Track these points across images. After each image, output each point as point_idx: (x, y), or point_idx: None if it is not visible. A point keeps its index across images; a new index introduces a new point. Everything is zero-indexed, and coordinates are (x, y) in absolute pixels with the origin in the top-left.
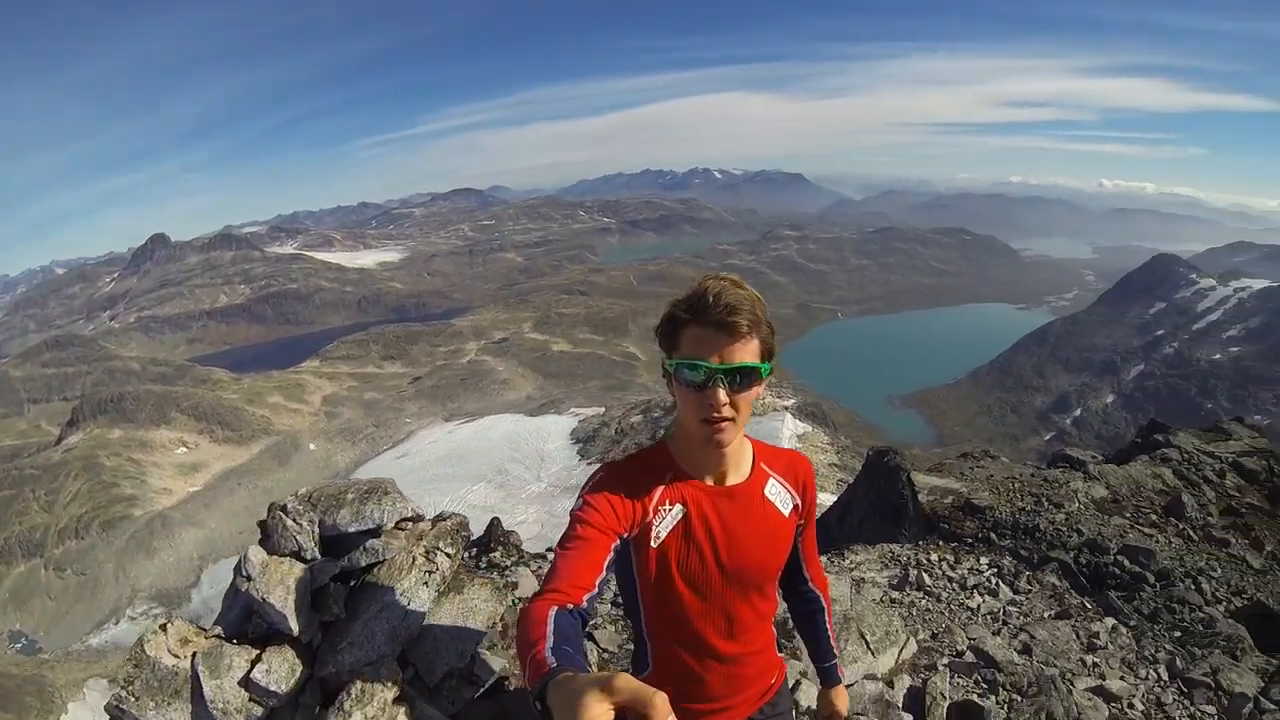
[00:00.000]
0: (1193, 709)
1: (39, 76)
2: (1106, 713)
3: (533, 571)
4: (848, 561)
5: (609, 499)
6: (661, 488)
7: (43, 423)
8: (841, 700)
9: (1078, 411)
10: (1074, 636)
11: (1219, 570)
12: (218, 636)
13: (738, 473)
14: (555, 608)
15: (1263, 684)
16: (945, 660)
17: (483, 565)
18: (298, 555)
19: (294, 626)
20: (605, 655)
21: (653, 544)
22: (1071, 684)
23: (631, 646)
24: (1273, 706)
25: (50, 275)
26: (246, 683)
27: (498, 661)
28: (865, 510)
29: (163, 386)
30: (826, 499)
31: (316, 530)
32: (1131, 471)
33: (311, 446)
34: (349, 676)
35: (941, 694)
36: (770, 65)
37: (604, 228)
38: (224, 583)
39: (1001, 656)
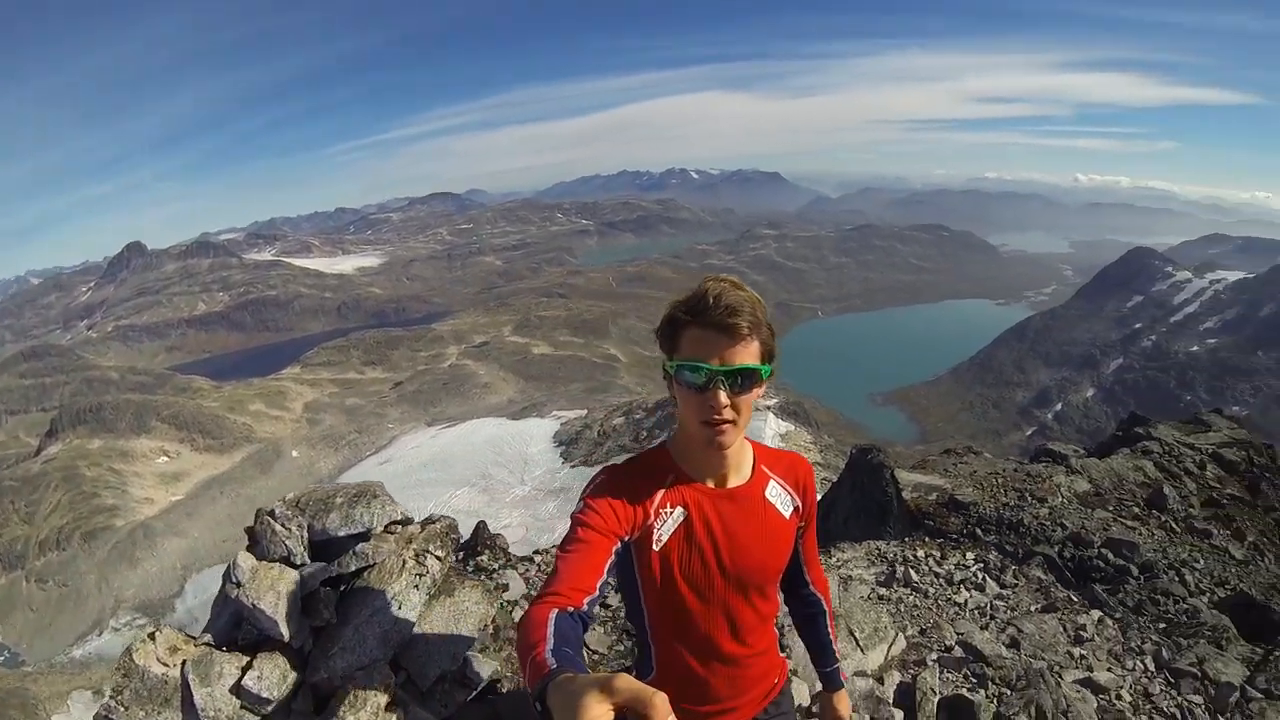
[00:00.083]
0: (1180, 699)
1: (8, 83)
2: (1095, 704)
3: (520, 574)
4: (834, 559)
5: (610, 502)
6: (663, 490)
7: (21, 434)
8: (844, 705)
9: (1059, 406)
10: (1061, 629)
11: (1202, 561)
12: (207, 644)
13: (739, 475)
14: (555, 610)
15: (1248, 673)
16: (934, 655)
17: (470, 569)
18: (287, 560)
19: (285, 632)
20: (595, 657)
21: (654, 547)
22: (1060, 676)
23: (621, 647)
24: (1258, 695)
25: (25, 285)
26: (238, 690)
27: (490, 664)
28: (850, 508)
29: (142, 395)
30: None
31: (305, 535)
32: (1113, 465)
33: (294, 453)
34: (341, 682)
35: (931, 689)
36: (745, 64)
37: (582, 229)
38: (207, 592)
39: (990, 651)
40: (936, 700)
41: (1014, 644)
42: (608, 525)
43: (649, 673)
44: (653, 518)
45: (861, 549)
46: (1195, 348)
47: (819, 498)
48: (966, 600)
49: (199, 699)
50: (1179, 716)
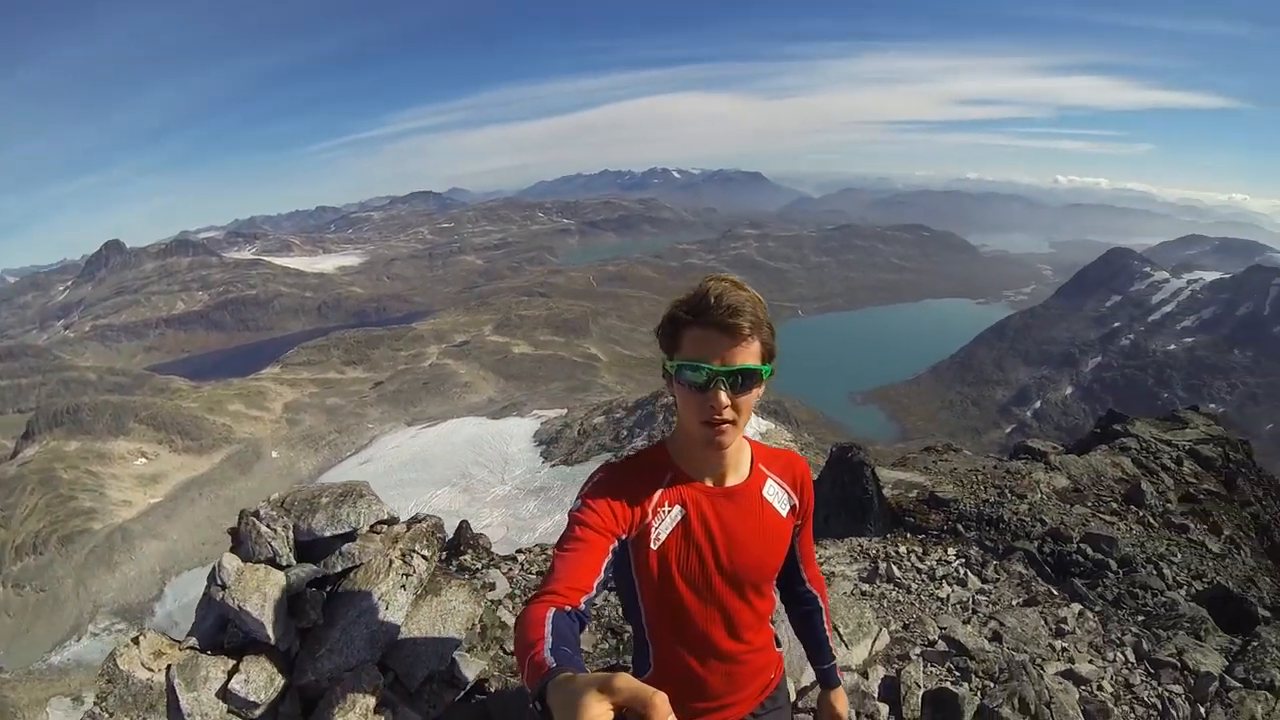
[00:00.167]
0: (1160, 689)
1: None
2: (1077, 695)
3: (504, 574)
4: (817, 556)
5: (608, 500)
6: (661, 489)
7: None
8: (841, 703)
9: (1038, 404)
10: (1042, 623)
11: (1179, 555)
12: (192, 648)
13: (736, 474)
14: (553, 609)
15: (1227, 663)
16: (918, 650)
17: (453, 568)
18: (272, 562)
19: (271, 635)
20: (582, 655)
21: (652, 545)
22: (1042, 669)
23: (605, 646)
24: (1237, 684)
25: (1, 284)
26: (224, 694)
27: (477, 664)
28: (831, 506)
29: (120, 396)
30: None
31: (291, 535)
32: (1092, 461)
33: (274, 454)
34: (329, 684)
35: (916, 683)
36: (726, 65)
37: (563, 229)
38: (187, 596)
39: (973, 644)
40: (921, 694)
41: (996, 637)
42: (606, 524)
43: (646, 670)
44: (651, 516)
45: (844, 546)
46: (1172, 346)
47: None
48: (949, 595)
49: (185, 704)
50: (1160, 706)
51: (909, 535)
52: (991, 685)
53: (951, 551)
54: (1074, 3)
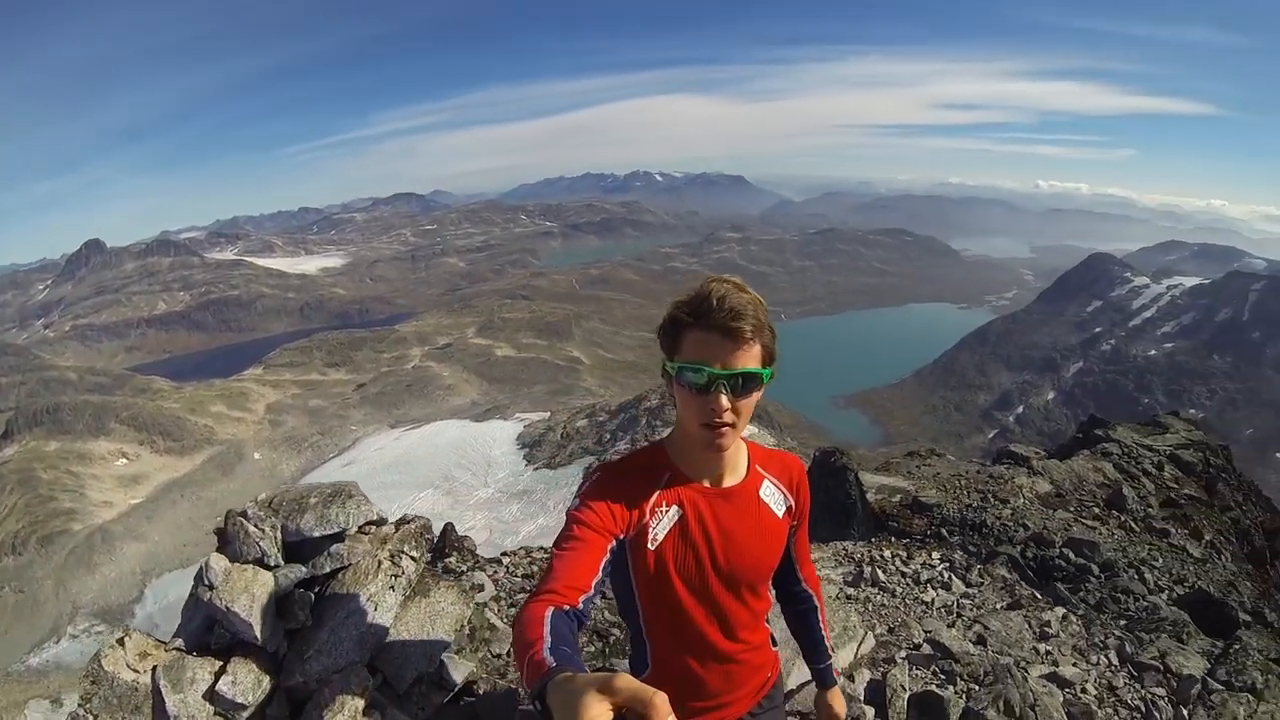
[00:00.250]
0: (1144, 691)
1: None
2: (1061, 698)
3: (490, 576)
4: None
5: (607, 500)
6: (659, 489)
7: None
8: (839, 702)
9: (1020, 409)
10: (1026, 626)
11: (1161, 560)
12: (179, 649)
13: (734, 474)
14: (552, 609)
15: (1209, 666)
16: (903, 653)
17: (438, 570)
18: (260, 562)
19: (259, 636)
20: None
21: (650, 545)
22: (1026, 672)
23: (592, 649)
24: (1219, 687)
25: None
26: (211, 696)
27: (466, 666)
28: (815, 510)
29: (101, 396)
30: None
31: (279, 536)
32: (1073, 466)
33: (256, 456)
34: (317, 685)
35: (901, 686)
36: (708, 68)
37: (546, 231)
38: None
39: (957, 648)
40: (906, 697)
41: (981, 641)
42: (604, 524)
43: (644, 670)
44: (648, 516)
45: (829, 550)
46: (1153, 351)
47: None
48: (933, 599)
49: (171, 706)
50: (1143, 709)
51: (893, 539)
52: (976, 688)
53: (935, 556)
54: (1057, 8)
